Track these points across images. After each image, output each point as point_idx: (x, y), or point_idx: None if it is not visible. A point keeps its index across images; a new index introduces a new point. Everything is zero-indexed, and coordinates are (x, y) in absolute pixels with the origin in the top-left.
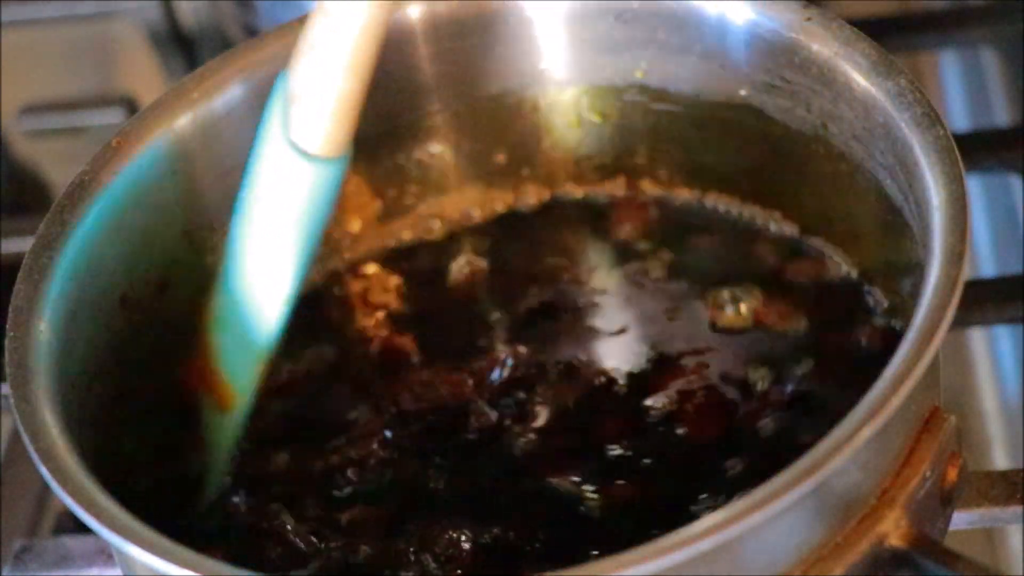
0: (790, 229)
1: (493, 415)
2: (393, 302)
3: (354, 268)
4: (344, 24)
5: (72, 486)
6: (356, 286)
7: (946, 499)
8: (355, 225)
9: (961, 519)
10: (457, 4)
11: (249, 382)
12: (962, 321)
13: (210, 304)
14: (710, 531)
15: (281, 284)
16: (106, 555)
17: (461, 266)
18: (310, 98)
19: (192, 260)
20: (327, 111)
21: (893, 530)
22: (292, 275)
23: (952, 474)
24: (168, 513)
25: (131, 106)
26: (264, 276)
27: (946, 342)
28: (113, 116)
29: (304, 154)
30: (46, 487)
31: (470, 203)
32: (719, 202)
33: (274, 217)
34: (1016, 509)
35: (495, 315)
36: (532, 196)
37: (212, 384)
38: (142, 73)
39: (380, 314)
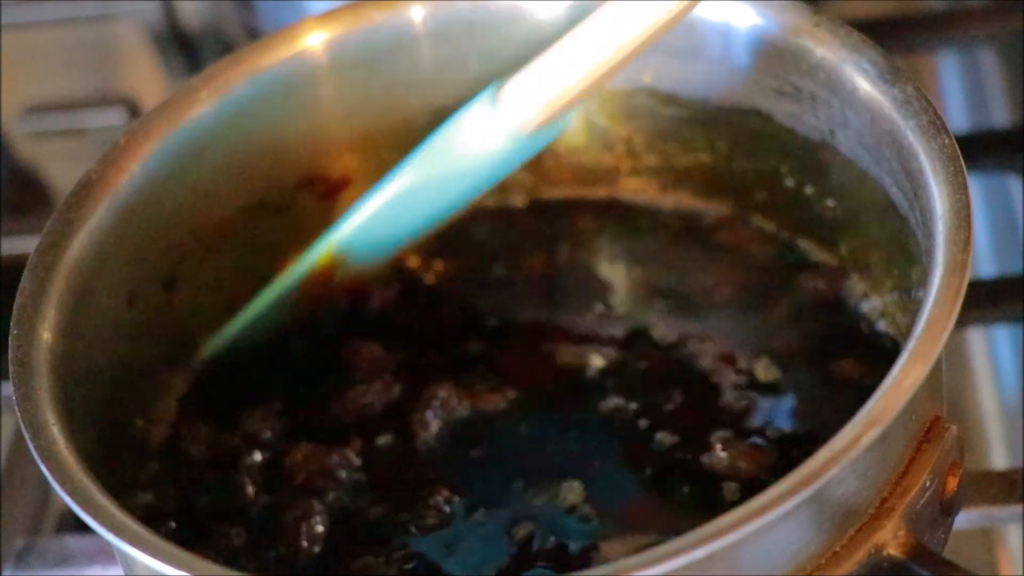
0: (796, 238)
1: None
2: (396, 315)
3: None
4: (622, 29)
5: (72, 485)
6: (360, 296)
7: (946, 509)
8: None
9: (960, 519)
10: (465, 5)
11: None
12: (961, 321)
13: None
14: (707, 539)
15: (408, 226)
16: (107, 554)
17: (463, 272)
18: (542, 82)
19: (199, 259)
20: (555, 99)
21: (891, 540)
22: (422, 225)
23: (952, 484)
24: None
25: (132, 107)
26: (401, 215)
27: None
28: (114, 117)
29: (509, 129)
30: (48, 486)
31: (477, 206)
32: (726, 208)
33: (447, 171)
34: (1015, 509)
35: (492, 320)
36: (542, 201)
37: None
38: (143, 74)
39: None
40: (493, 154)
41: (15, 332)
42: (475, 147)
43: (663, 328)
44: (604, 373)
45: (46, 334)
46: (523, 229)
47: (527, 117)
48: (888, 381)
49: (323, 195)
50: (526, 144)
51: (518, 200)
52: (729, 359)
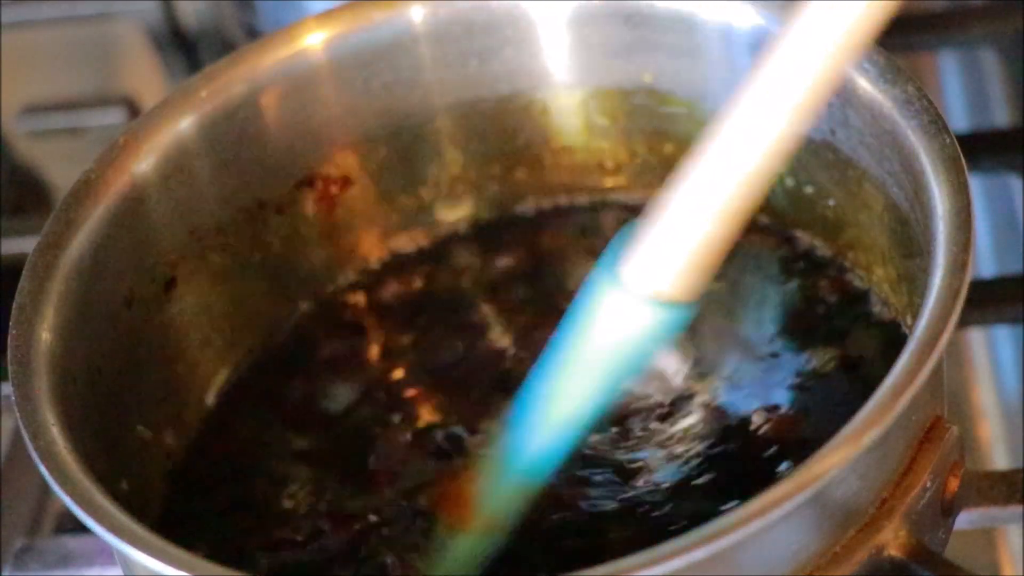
0: (800, 238)
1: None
2: (398, 316)
3: (360, 277)
4: (731, 170)
5: (71, 485)
6: (363, 296)
7: (947, 509)
8: (361, 231)
9: (961, 519)
10: (465, 5)
11: (506, 511)
12: (961, 321)
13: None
14: (707, 539)
15: (574, 423)
16: (107, 554)
17: (467, 272)
18: (672, 240)
19: (198, 259)
20: (689, 258)
21: (892, 540)
22: (589, 417)
23: (953, 484)
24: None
25: (131, 107)
26: (561, 413)
27: None
28: (113, 117)
29: (646, 298)
30: (47, 486)
31: (479, 206)
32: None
33: (596, 359)
34: (1016, 509)
35: (496, 324)
36: (542, 200)
37: (463, 503)
38: (142, 74)
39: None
40: (642, 332)
41: (15, 332)
42: (618, 337)
43: None
44: None
45: (46, 334)
46: (524, 229)
47: (670, 286)
48: (888, 381)
49: (323, 195)
50: (681, 308)
51: (521, 202)
52: (729, 359)
